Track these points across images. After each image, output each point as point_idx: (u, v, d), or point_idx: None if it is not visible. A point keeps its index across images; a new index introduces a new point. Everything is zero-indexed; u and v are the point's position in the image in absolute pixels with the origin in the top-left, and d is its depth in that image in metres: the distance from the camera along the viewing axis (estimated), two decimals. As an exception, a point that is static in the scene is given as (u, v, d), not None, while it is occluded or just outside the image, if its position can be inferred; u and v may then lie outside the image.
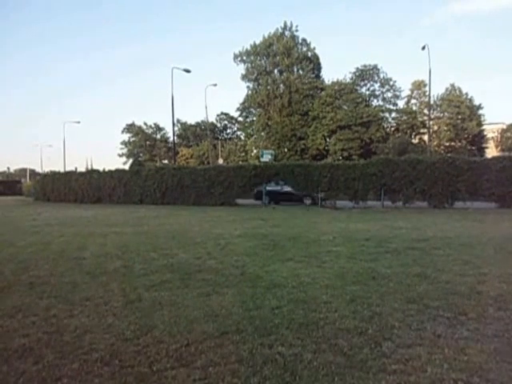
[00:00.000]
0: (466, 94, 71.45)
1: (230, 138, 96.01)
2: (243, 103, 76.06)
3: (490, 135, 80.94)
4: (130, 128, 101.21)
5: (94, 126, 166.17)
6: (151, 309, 6.08)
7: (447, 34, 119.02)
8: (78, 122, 76.31)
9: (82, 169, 55.67)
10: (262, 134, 73.04)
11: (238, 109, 78.22)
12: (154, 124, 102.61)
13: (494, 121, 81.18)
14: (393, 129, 72.73)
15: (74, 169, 56.49)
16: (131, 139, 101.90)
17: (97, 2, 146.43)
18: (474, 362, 4.18)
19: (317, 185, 28.54)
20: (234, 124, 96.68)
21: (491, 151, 76.28)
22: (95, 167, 54.65)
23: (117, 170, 38.98)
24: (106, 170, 39.63)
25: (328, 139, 68.69)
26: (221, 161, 69.02)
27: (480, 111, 71.73)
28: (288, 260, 9.42)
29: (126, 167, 66.23)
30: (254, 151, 73.80)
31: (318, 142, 67.41)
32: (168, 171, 34.15)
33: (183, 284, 7.45)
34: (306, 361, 4.30)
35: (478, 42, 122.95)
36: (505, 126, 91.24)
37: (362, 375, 3.99)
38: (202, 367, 4.22)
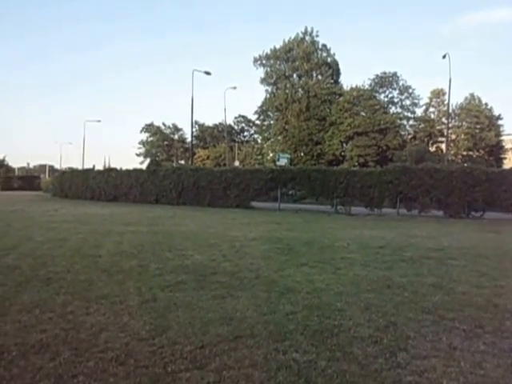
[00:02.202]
0: (486, 103, 71.19)
1: (246, 141, 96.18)
2: (261, 106, 76.24)
3: (508, 146, 79.97)
4: (149, 128, 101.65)
5: (114, 126, 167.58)
6: (166, 309, 6.08)
7: (467, 43, 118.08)
8: (99, 121, 77.03)
9: (99, 167, 55.94)
10: (279, 137, 73.16)
11: (255, 112, 78.47)
12: (172, 124, 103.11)
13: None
14: (410, 136, 72.51)
15: (91, 167, 56.78)
16: (149, 139, 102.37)
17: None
18: (491, 377, 4.12)
19: (333, 190, 28.41)
20: (251, 127, 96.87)
21: (509, 162, 75.31)
22: (113, 166, 55.03)
23: (134, 170, 39.15)
24: (124, 168, 39.82)
25: (345, 145, 68.73)
26: (237, 163, 69.09)
27: (499, 121, 71.36)
28: (302, 265, 9.38)
29: (143, 167, 66.50)
30: (271, 155, 74.01)
31: (334, 148, 67.43)
32: (185, 172, 34.12)
33: (198, 286, 7.45)
34: (320, 368, 4.27)
35: (499, 51, 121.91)
36: None
37: (377, 385, 3.96)
38: (216, 370, 4.20)
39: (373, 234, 15.67)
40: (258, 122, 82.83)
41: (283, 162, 42.97)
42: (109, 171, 40.57)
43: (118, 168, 40.71)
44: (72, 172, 46.69)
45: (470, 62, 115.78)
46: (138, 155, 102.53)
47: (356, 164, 62.88)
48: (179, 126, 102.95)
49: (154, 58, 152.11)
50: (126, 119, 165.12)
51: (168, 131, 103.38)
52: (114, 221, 19.16)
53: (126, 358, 4.45)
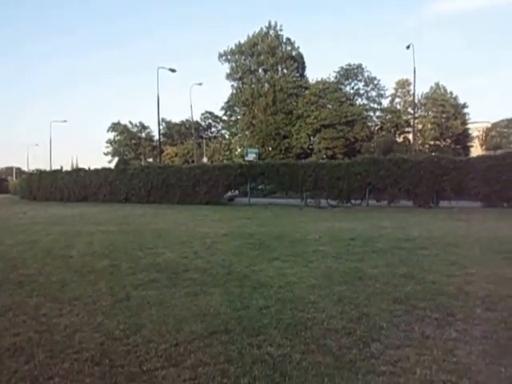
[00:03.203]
0: (451, 92, 72.19)
1: (214, 137, 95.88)
2: (228, 102, 76.15)
3: (474, 134, 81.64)
4: (116, 127, 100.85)
5: (80, 125, 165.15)
6: (140, 308, 6.05)
7: (432, 34, 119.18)
8: (65, 121, 75.65)
9: (67, 167, 55.14)
10: (247, 132, 73.21)
11: (222, 107, 78.34)
12: (139, 123, 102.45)
13: (478, 119, 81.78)
14: (377, 128, 73.12)
15: (59, 167, 55.94)
16: (116, 138, 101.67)
17: (82, 1, 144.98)
18: (463, 364, 4.16)
19: (302, 184, 28.53)
20: (218, 123, 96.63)
21: (476, 150, 76.87)
22: (81, 166, 54.50)
23: (103, 169, 38.93)
24: (92, 168, 39.51)
25: (312, 138, 68.97)
26: (205, 159, 68.87)
27: (465, 110, 72.47)
28: (274, 259, 9.37)
29: (112, 166, 65.85)
30: (239, 150, 73.98)
31: (302, 141, 67.64)
32: (153, 170, 34.05)
33: (171, 283, 7.41)
34: (295, 361, 4.28)
35: (462, 41, 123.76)
36: (489, 125, 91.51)
37: (352, 376, 3.97)
38: (192, 367, 4.20)
39: (343, 226, 15.78)
40: (225, 117, 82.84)
41: (251, 156, 43.04)
42: (77, 171, 40.24)
43: (87, 168, 40.47)
44: (40, 173, 46.04)
45: (435, 52, 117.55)
46: (105, 154, 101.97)
47: (324, 157, 63.13)
48: (146, 124, 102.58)
49: (118, 56, 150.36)
50: (92, 118, 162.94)
51: (135, 129, 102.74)
52: (84, 221, 18.98)
53: (101, 358, 4.42)
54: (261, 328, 5.18)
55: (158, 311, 5.88)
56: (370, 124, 71.40)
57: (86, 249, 11.25)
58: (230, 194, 33.43)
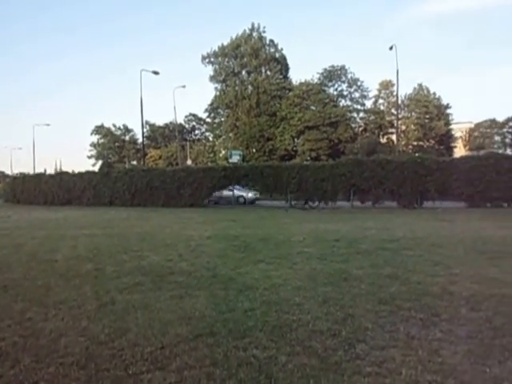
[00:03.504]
0: (434, 93, 72.68)
1: (198, 139, 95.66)
2: (211, 104, 75.85)
3: (457, 134, 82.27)
4: (99, 130, 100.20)
5: (64, 128, 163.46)
6: (125, 312, 6.02)
7: (415, 34, 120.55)
8: (48, 125, 75.58)
9: (51, 171, 54.78)
10: (231, 134, 73.10)
11: (206, 110, 77.97)
12: (123, 125, 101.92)
13: (461, 120, 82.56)
14: (361, 129, 73.41)
15: (43, 171, 55.58)
16: (100, 141, 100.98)
17: (63, 4, 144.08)
18: (449, 364, 4.18)
19: (286, 186, 28.57)
20: (202, 125, 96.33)
21: (459, 150, 77.43)
22: (65, 169, 54.12)
23: (86, 172, 38.79)
24: (76, 171, 39.28)
25: (296, 140, 68.99)
26: (189, 162, 68.72)
27: (448, 111, 73.08)
28: (259, 261, 9.37)
29: (96, 169, 65.52)
30: (223, 152, 73.73)
31: (286, 143, 67.61)
32: (137, 173, 34.02)
33: (155, 286, 7.39)
34: (280, 363, 4.28)
35: (445, 42, 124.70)
36: (472, 126, 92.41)
37: (337, 378, 3.98)
38: (178, 370, 4.19)
39: (328, 227, 15.81)
40: (208, 119, 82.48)
41: (236, 158, 42.90)
42: (61, 175, 40.09)
43: (70, 171, 40.24)
44: (24, 177, 45.90)
45: (418, 53, 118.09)
46: (89, 157, 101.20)
47: (308, 158, 63.30)
48: (130, 127, 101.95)
49: (101, 59, 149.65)
50: (75, 122, 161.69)
51: (119, 132, 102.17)
52: (69, 224, 18.91)
53: (86, 362, 4.40)
54: (246, 330, 5.17)
55: (143, 315, 5.85)
56: (353, 125, 71.61)
57: (70, 252, 11.18)
58: (250, 195, 33.01)
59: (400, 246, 11.09)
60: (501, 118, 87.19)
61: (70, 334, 5.19)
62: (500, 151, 60.68)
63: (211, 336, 5.02)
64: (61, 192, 37.29)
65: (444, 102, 72.78)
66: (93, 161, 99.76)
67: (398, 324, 5.29)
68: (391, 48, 42.69)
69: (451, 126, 75.09)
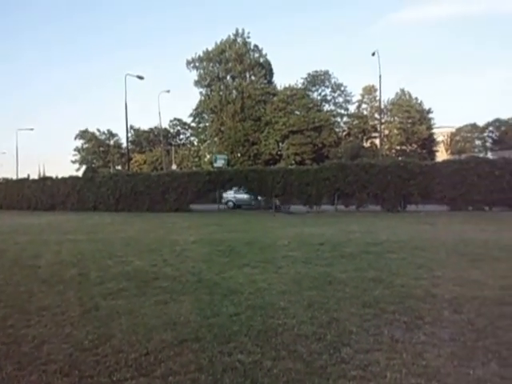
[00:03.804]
0: (416, 98, 73.32)
1: (183, 144, 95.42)
2: (196, 109, 75.85)
3: (439, 139, 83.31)
4: (83, 134, 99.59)
5: (47, 133, 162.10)
6: (109, 317, 6.00)
7: (397, 39, 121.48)
8: (32, 129, 74.47)
9: (34, 176, 54.23)
10: (215, 139, 73.06)
11: (190, 114, 77.94)
12: (107, 130, 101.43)
13: (443, 125, 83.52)
14: (345, 133, 73.72)
15: (26, 176, 55.00)
16: (84, 146, 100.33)
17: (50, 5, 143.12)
18: (432, 367, 4.22)
19: (271, 190, 28.61)
20: (187, 130, 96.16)
21: (441, 154, 78.43)
22: (48, 174, 53.58)
23: (70, 177, 38.37)
24: (60, 176, 38.91)
25: (281, 144, 69.12)
26: (174, 166, 68.51)
27: (430, 115, 73.80)
28: (244, 266, 9.39)
29: (80, 174, 65.05)
30: (208, 156, 73.63)
31: (270, 147, 67.75)
32: (122, 177, 33.81)
33: (140, 292, 7.37)
34: (265, 368, 4.28)
35: (426, 47, 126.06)
36: (454, 130, 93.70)
37: (322, 382, 4.00)
38: (162, 376, 4.18)
39: (313, 231, 15.86)
40: (193, 124, 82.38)
41: (220, 163, 42.88)
42: (44, 180, 39.67)
43: (54, 176, 39.80)
44: (6, 182, 45.39)
45: (400, 58, 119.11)
46: (73, 162, 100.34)
47: (293, 162, 63.42)
48: (114, 132, 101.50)
49: (85, 63, 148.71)
50: (59, 126, 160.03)
51: (103, 137, 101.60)
52: (52, 230, 18.73)
53: (69, 370, 4.37)
54: (231, 335, 5.17)
55: (127, 320, 5.82)
56: (337, 130, 71.97)
57: (54, 258, 11.11)
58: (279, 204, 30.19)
59: (384, 249, 11.16)
60: (481, 123, 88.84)
61: (53, 341, 5.16)
62: (481, 155, 61.30)
63: (196, 341, 5.02)
64: (44, 197, 37.00)
65: (426, 106, 73.62)
66: (77, 166, 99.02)
67: (382, 327, 5.33)
68: (373, 54, 43.11)
69: (433, 131, 75.98)
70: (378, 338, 4.98)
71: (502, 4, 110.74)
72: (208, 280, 8.15)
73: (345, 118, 73.38)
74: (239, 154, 68.36)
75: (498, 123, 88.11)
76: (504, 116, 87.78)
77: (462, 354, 4.51)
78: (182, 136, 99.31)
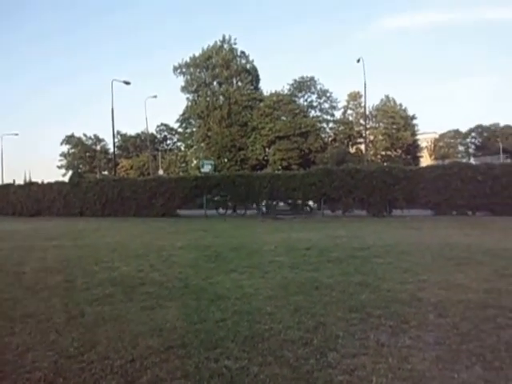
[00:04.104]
0: (400, 104, 74.67)
1: (170, 149, 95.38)
2: (183, 114, 75.99)
3: (423, 144, 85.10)
4: (70, 139, 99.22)
5: (33, 138, 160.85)
6: (94, 324, 5.96)
7: (382, 47, 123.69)
8: (16, 135, 73.80)
9: (20, 181, 53.71)
10: (202, 144, 73.17)
11: (177, 120, 78.04)
12: (94, 135, 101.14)
13: (427, 130, 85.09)
14: (330, 139, 74.36)
15: (11, 181, 54.48)
16: (70, 151, 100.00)
17: (33, 10, 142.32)
18: (418, 371, 4.25)
19: (258, 195, 28.63)
20: (173, 135, 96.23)
21: (425, 160, 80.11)
22: (34, 180, 53.11)
23: (56, 182, 37.87)
24: (46, 182, 38.51)
25: (267, 149, 69.45)
26: (161, 172, 68.40)
27: (414, 121, 75.18)
28: (231, 271, 9.37)
29: (66, 179, 64.60)
30: (195, 162, 73.75)
31: (257, 153, 68.06)
32: (108, 183, 33.53)
33: (126, 298, 7.33)
34: (252, 374, 4.28)
35: (410, 55, 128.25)
36: (437, 136, 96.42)
37: (309, 387, 4.00)
38: (148, 383, 4.16)
39: (299, 236, 15.87)
40: (180, 129, 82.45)
41: (207, 168, 42.79)
42: (30, 185, 39.13)
43: (40, 181, 39.34)
44: (-9, 188, 44.79)
45: (384, 65, 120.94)
46: (59, 167, 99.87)
47: (279, 168, 63.71)
48: (101, 137, 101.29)
49: (72, 68, 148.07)
50: (45, 131, 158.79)
51: (90, 142, 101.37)
52: (38, 236, 18.50)
53: (54, 377, 4.34)
54: (218, 341, 5.17)
55: (113, 327, 5.80)
56: (323, 135, 72.57)
57: (39, 264, 10.99)
58: (311, 203, 29.49)
59: (370, 253, 11.19)
60: (464, 129, 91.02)
61: (37, 349, 5.11)
62: (464, 160, 62.38)
63: (182, 347, 5.00)
64: (30, 203, 36.60)
65: (410, 112, 75.10)
66: (63, 171, 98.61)
67: (368, 331, 5.36)
68: (358, 61, 43.74)
69: (417, 137, 77.94)
70: (364, 343, 5.00)
71: (484, 13, 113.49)
72: (195, 285, 8.13)
73: (331, 124, 74.17)
74: (226, 160, 68.51)
75: (480, 129, 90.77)
76: (486, 122, 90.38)
77: (447, 357, 4.55)
78: (168, 141, 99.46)
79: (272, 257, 11.10)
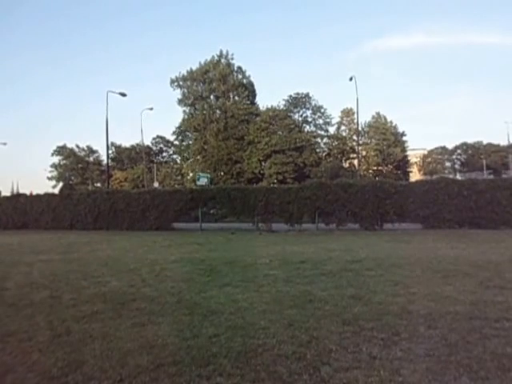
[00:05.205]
0: (391, 121, 76.99)
1: (165, 162, 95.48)
2: (179, 127, 76.18)
3: (413, 160, 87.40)
4: (61, 150, 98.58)
5: (22, 148, 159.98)
6: (81, 342, 5.81)
7: (373, 66, 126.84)
8: (5, 144, 73.64)
9: (7, 193, 53.49)
10: (198, 157, 73.34)
11: (174, 132, 78.21)
12: (87, 146, 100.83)
13: (416, 147, 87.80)
14: (325, 153, 75.10)
15: (-2, 193, 54.17)
16: (62, 162, 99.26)
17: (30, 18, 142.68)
18: (409, 382, 4.32)
19: (253, 208, 28.64)
20: (169, 147, 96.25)
21: (415, 175, 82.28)
22: (22, 191, 52.83)
23: (45, 194, 37.39)
24: (34, 193, 38.13)
25: (263, 163, 69.73)
26: (156, 184, 68.50)
27: (404, 138, 77.49)
28: (225, 285, 9.35)
29: (56, 191, 64.31)
30: (190, 175, 73.86)
31: (253, 166, 68.30)
32: (100, 195, 33.14)
33: (116, 314, 7.19)
34: (244, 391, 4.24)
35: (399, 74, 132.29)
36: (426, 152, 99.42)
37: (302, 403, 4.02)
38: (136, 404, 4.04)
39: (294, 249, 15.90)
40: (176, 142, 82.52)
41: (203, 181, 43.02)
42: (17, 197, 38.51)
43: (28, 193, 38.94)
44: (-24, 200, 44.26)
45: (376, 83, 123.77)
46: (49, 179, 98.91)
47: (275, 181, 64.00)
48: (95, 148, 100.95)
49: (66, 78, 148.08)
50: (35, 141, 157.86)
51: (82, 153, 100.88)
52: (23, 250, 18.13)
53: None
54: (210, 357, 5.12)
55: (101, 345, 5.66)
56: (318, 150, 73.35)
57: (24, 280, 10.72)
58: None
59: (362, 266, 11.26)
60: (450, 146, 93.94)
61: (17, 370, 4.94)
62: (450, 176, 63.58)
63: (174, 365, 4.93)
64: (16, 215, 35.76)
65: (400, 129, 77.00)
66: (53, 182, 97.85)
67: (360, 344, 5.41)
68: (351, 79, 44.84)
69: (407, 153, 79.95)
70: (356, 356, 5.05)
71: (469, 38, 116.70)
72: (188, 300, 8.08)
73: (325, 139, 75.26)
74: (222, 173, 68.76)
75: (465, 147, 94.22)
76: (470, 140, 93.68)
77: (437, 368, 4.62)
78: (164, 154, 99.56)
79: (266, 270, 11.13)
